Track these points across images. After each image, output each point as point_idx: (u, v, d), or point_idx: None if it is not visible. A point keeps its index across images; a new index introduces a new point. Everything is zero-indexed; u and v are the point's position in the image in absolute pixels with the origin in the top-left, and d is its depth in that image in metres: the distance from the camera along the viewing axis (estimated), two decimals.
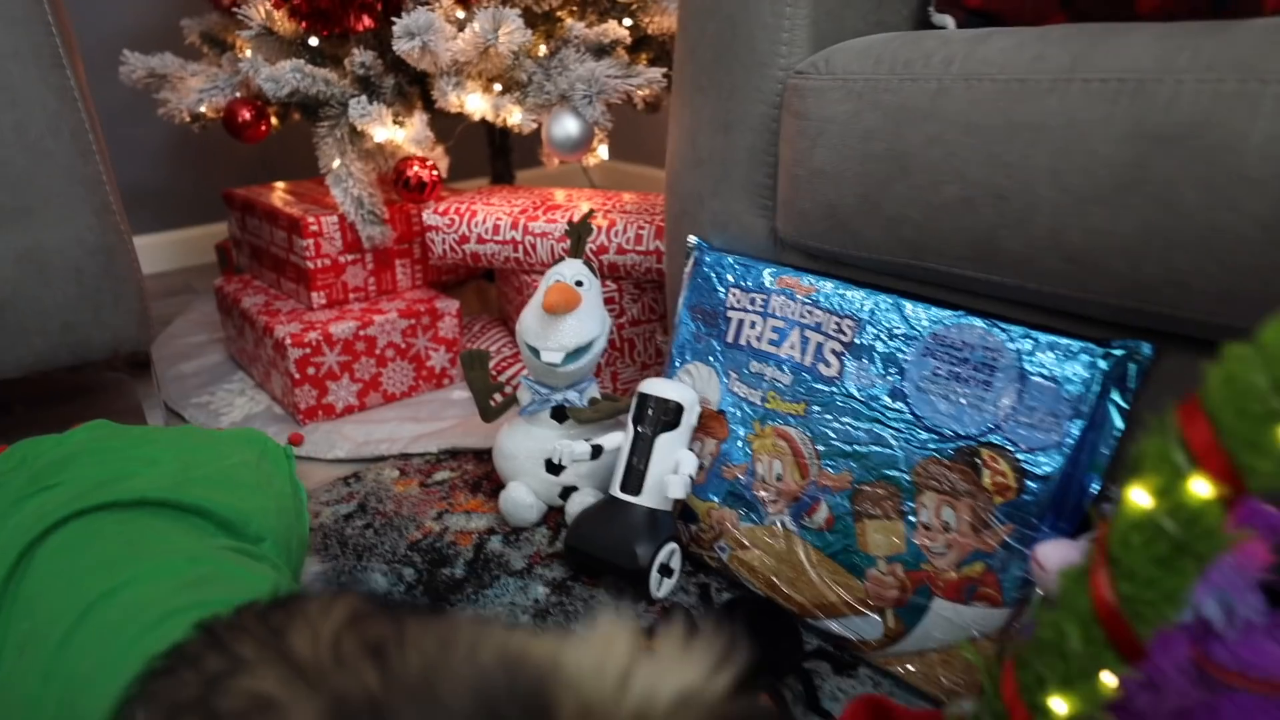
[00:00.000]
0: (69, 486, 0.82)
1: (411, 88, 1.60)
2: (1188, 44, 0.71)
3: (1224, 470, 0.44)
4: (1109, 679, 0.51)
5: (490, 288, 2.06)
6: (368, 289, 1.68)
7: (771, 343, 1.07)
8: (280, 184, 1.95)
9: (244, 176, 2.40)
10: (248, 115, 1.65)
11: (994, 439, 0.89)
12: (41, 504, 0.79)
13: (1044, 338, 0.86)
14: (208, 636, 0.49)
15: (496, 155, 2.07)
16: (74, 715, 0.58)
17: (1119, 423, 0.82)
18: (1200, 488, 0.45)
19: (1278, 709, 0.70)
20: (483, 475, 1.37)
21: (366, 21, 1.52)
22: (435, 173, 1.60)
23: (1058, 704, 0.52)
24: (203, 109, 1.69)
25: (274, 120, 1.73)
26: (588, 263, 1.21)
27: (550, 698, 0.33)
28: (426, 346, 1.65)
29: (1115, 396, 0.83)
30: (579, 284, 1.17)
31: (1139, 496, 0.47)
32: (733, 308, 1.11)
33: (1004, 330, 0.88)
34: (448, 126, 1.85)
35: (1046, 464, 0.85)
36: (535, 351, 1.15)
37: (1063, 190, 0.76)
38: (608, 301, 1.50)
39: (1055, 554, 0.75)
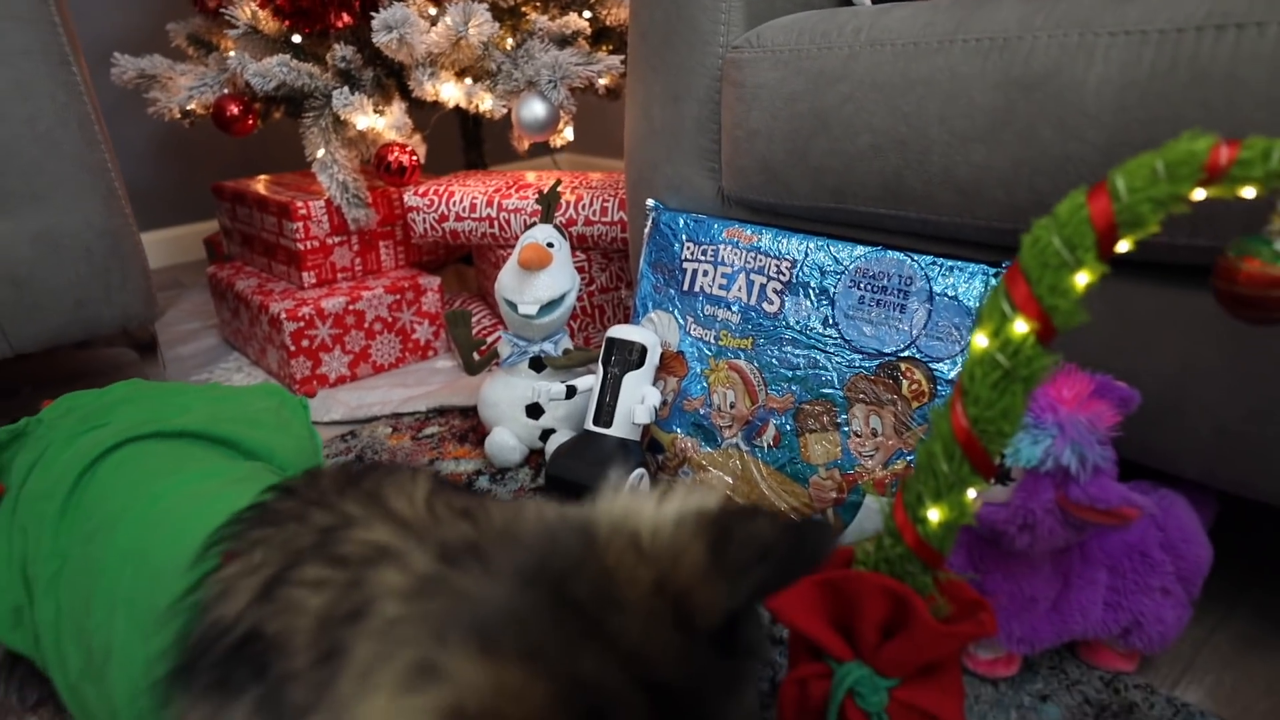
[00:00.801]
0: (116, 424, 0.93)
1: (389, 80, 1.73)
2: (1043, 8, 0.86)
3: (1036, 312, 0.59)
4: (971, 494, 0.66)
5: (468, 270, 2.18)
6: (354, 269, 1.80)
7: (721, 287, 1.21)
8: (264, 177, 2.07)
9: (226, 175, 2.51)
10: (235, 110, 1.76)
11: (910, 353, 1.04)
12: (94, 436, 0.91)
13: (946, 263, 1.01)
14: (300, 499, 0.61)
15: (470, 147, 2.20)
16: (150, 573, 0.70)
17: None
18: (1020, 327, 0.59)
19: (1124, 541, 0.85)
20: (469, 428, 1.50)
21: (346, 18, 1.64)
22: (415, 157, 1.73)
23: (932, 514, 0.66)
24: (192, 106, 1.80)
25: (258, 118, 1.85)
26: (557, 227, 1.35)
27: (593, 525, 0.49)
28: (411, 320, 1.78)
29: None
30: (550, 245, 1.30)
31: (980, 340, 0.61)
32: (687, 259, 1.25)
33: (914, 260, 1.03)
34: (423, 119, 1.98)
35: (952, 369, 1.00)
36: (513, 305, 1.29)
37: (950, 133, 0.91)
38: (579, 271, 1.64)
39: None
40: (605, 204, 1.62)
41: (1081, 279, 0.58)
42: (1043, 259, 0.58)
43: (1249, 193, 0.55)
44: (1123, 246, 0.58)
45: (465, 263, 2.22)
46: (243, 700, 0.50)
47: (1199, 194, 0.56)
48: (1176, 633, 0.89)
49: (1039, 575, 0.87)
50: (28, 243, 1.37)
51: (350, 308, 1.69)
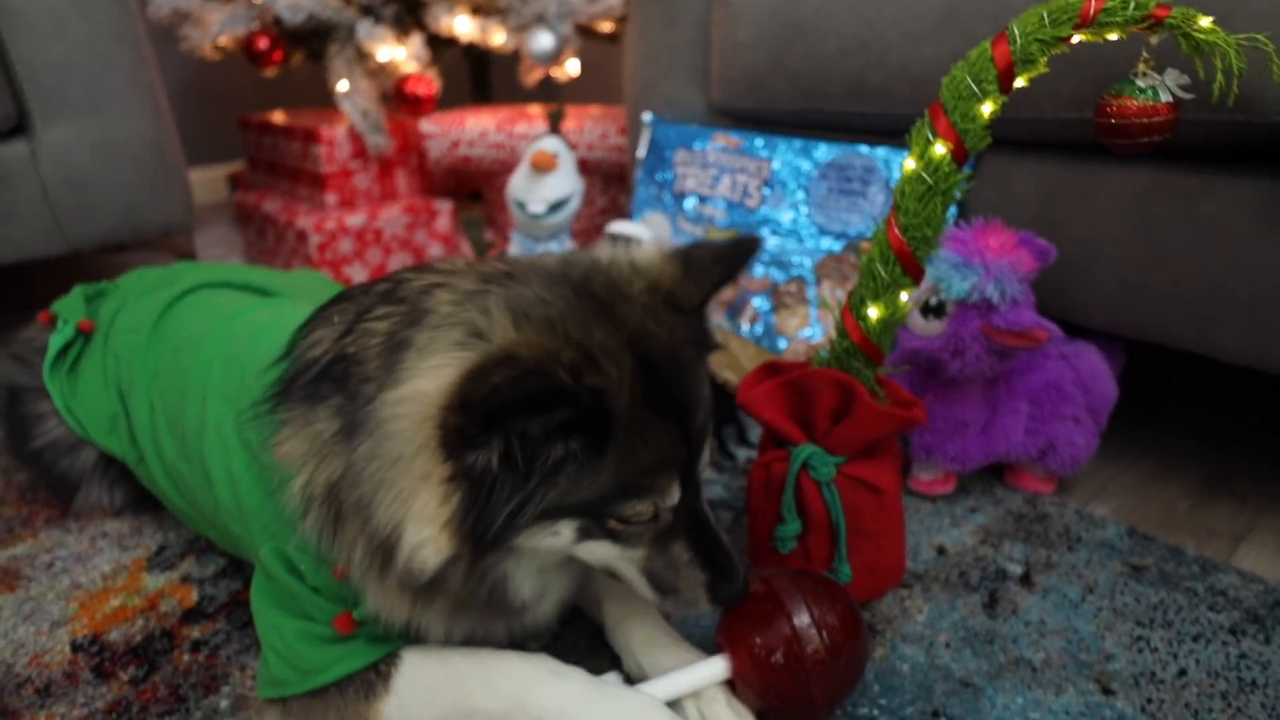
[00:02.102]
0: (188, 280, 1.09)
1: (408, 16, 1.88)
2: None
3: (952, 135, 0.75)
4: (903, 296, 0.82)
5: (474, 206, 2.34)
6: (372, 193, 1.95)
7: (709, 187, 1.37)
8: (281, 112, 2.21)
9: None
10: (265, 44, 1.91)
11: (870, 232, 1.20)
12: (171, 288, 1.06)
13: (901, 153, 1.17)
14: (364, 284, 0.77)
15: (478, 88, 2.35)
16: (240, 366, 0.84)
17: (953, 210, 1.14)
18: (939, 149, 0.75)
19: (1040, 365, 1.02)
20: None
21: None
22: (431, 88, 1.88)
23: (872, 311, 0.82)
24: (224, 40, 1.94)
25: (282, 56, 1.99)
26: (563, 140, 1.51)
27: (596, 257, 0.67)
28: (425, 241, 1.93)
29: None
30: (556, 154, 1.46)
31: (909, 163, 0.78)
32: (679, 164, 1.41)
33: (874, 152, 1.20)
34: (436, 58, 2.13)
35: None
36: (522, 205, 1.44)
37: (905, 34, 1.07)
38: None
39: None
40: (605, 131, 1.78)
41: (986, 109, 0.74)
42: (957, 93, 0.74)
43: (1113, 36, 0.71)
44: (1019, 83, 0.74)
45: (473, 198, 2.37)
46: (327, 404, 0.67)
47: (1075, 38, 0.72)
48: (1086, 457, 1.06)
49: (970, 403, 1.04)
50: (86, 149, 1.51)
51: (370, 225, 1.84)
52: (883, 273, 0.81)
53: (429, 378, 0.59)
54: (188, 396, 0.89)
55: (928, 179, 0.77)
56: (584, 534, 0.64)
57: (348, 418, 0.65)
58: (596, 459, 0.59)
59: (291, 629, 0.73)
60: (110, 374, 1.01)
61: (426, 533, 0.59)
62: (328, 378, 0.68)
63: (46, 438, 1.01)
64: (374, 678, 0.73)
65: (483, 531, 0.59)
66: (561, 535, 0.64)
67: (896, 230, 0.79)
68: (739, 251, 0.69)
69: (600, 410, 0.58)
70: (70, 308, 1.08)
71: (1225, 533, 1.03)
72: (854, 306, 0.84)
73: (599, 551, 0.67)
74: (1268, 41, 0.71)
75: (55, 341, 1.03)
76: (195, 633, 0.88)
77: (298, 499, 0.67)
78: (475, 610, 0.69)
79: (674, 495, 0.64)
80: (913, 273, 0.81)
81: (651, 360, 0.61)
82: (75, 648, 0.86)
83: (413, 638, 0.74)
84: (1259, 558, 0.98)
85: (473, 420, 0.55)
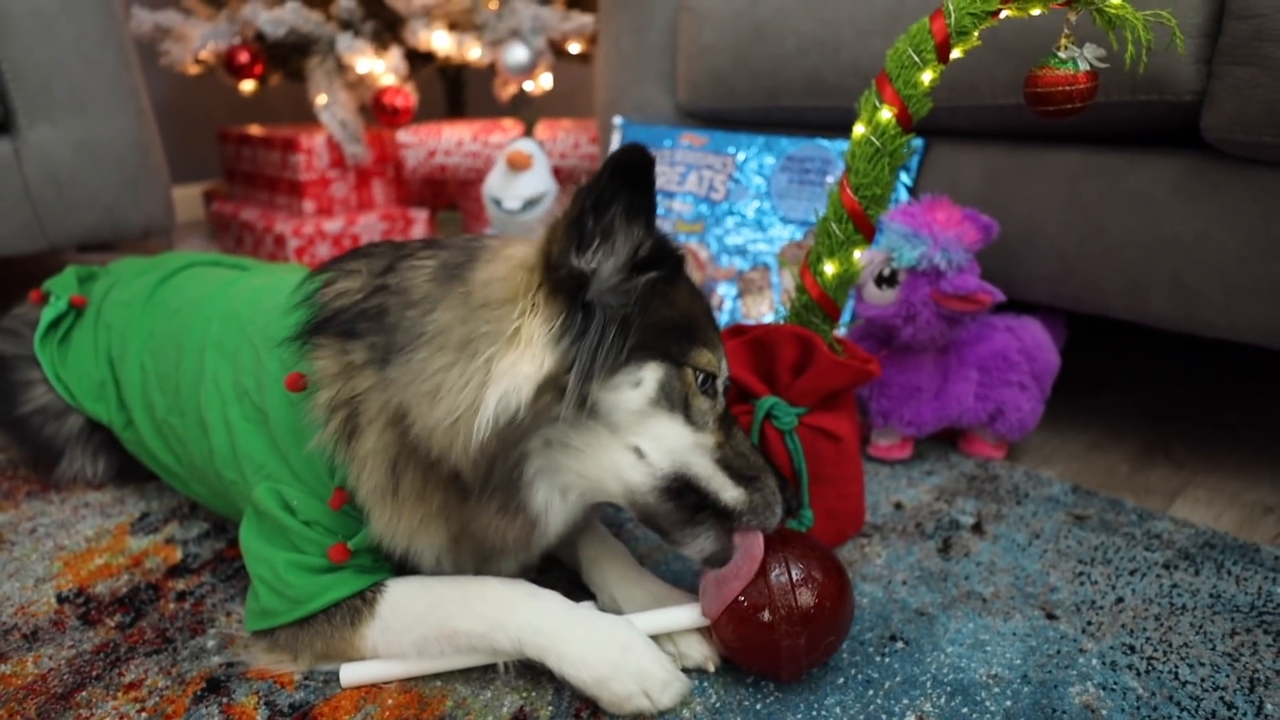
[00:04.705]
0: (181, 261, 1.13)
1: (386, 32, 1.95)
2: None
3: (896, 101, 0.82)
4: (857, 254, 0.89)
5: (450, 215, 2.39)
6: (350, 202, 2.00)
7: (676, 183, 1.45)
8: (258, 126, 2.26)
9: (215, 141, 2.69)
10: (245, 58, 1.96)
11: None
12: (164, 268, 1.10)
13: None
14: (385, 244, 0.82)
15: (453, 107, 2.42)
16: (239, 322, 0.88)
17: (904, 194, 1.22)
18: (885, 113, 0.83)
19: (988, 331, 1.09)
20: None
21: None
22: (409, 100, 1.94)
23: (828, 267, 0.89)
24: (205, 54, 2.00)
25: (262, 70, 2.04)
26: (537, 142, 1.57)
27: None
28: None
29: (903, 177, 1.22)
30: (531, 153, 1.53)
31: (859, 129, 0.85)
32: None
33: (831, 144, 1.28)
34: (412, 74, 2.20)
35: None
36: (498, 202, 1.50)
37: (858, 31, 1.16)
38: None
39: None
40: (577, 141, 1.85)
41: (927, 76, 0.81)
42: (900, 62, 0.82)
43: (1036, 11, 0.80)
44: (955, 54, 0.82)
45: (450, 210, 2.42)
46: (362, 340, 0.71)
47: (1003, 13, 0.80)
48: (1033, 422, 1.12)
49: (923, 370, 1.10)
50: (70, 149, 1.55)
51: (348, 231, 1.88)
52: (837, 231, 0.88)
53: (520, 246, 0.68)
54: (185, 351, 0.92)
55: (876, 142, 0.84)
56: (663, 391, 0.68)
57: (382, 348, 0.70)
58: (673, 289, 0.69)
59: (282, 560, 0.77)
60: (101, 344, 1.04)
61: (523, 369, 0.64)
62: (364, 317, 0.72)
63: (34, 404, 1.03)
64: (360, 604, 0.76)
65: (584, 358, 0.64)
66: (644, 384, 0.68)
67: (849, 191, 0.86)
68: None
69: (669, 250, 0.68)
70: (63, 284, 1.11)
71: (1162, 490, 1.10)
72: (811, 264, 0.91)
73: (670, 435, 0.69)
74: (1171, 17, 0.79)
75: (47, 314, 1.06)
76: (180, 585, 0.90)
77: (322, 409, 0.72)
78: (475, 539, 0.73)
79: (724, 364, 0.73)
80: (864, 230, 0.88)
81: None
82: (61, 599, 0.88)
83: (406, 569, 0.78)
84: (1193, 509, 1.05)
85: (604, 194, 0.61)
